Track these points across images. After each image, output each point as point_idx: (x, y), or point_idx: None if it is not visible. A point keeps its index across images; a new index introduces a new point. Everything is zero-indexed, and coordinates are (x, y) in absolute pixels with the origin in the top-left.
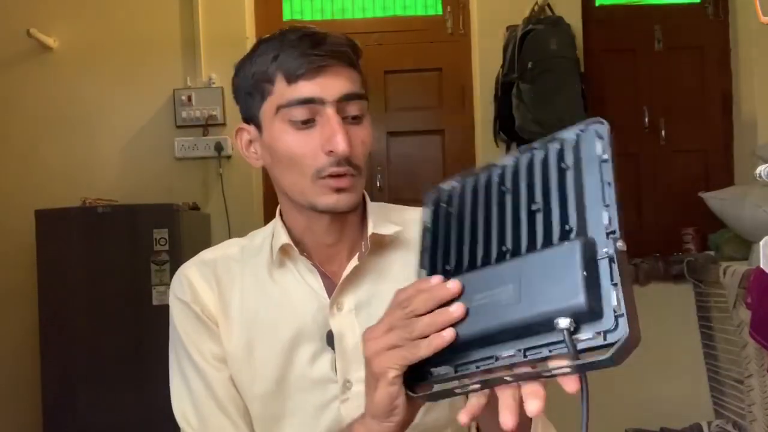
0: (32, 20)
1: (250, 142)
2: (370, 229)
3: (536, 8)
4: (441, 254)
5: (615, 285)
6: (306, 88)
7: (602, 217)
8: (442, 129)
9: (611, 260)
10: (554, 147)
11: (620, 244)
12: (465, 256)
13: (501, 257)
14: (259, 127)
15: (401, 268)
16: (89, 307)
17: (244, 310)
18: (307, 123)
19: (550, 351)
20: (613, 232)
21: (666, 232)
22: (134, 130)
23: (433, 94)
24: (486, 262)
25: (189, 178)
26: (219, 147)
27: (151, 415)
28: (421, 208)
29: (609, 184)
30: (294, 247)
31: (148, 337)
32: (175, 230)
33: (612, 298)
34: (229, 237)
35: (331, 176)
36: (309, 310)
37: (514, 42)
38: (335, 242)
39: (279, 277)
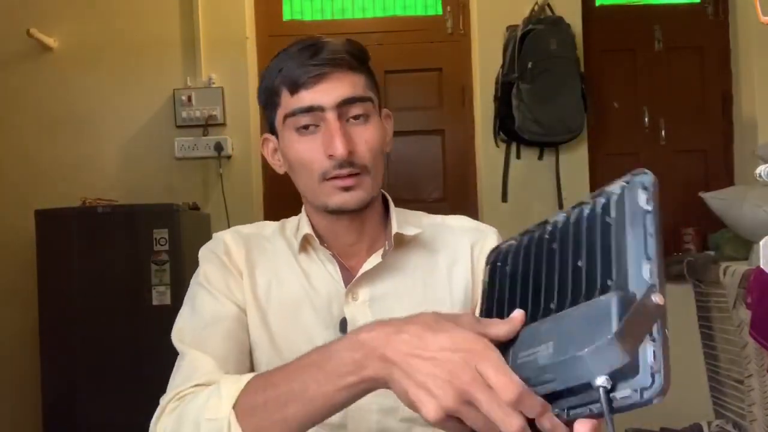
0: (32, 20)
1: (275, 150)
2: (395, 228)
3: (536, 8)
4: (495, 314)
5: (653, 340)
6: (307, 97)
7: (642, 271)
8: (442, 129)
9: None
10: (600, 201)
11: (656, 297)
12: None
13: (546, 315)
14: (277, 136)
15: (416, 267)
16: (89, 307)
17: (267, 281)
18: (311, 129)
19: (591, 410)
20: (653, 286)
21: (666, 232)
22: (134, 130)
23: (433, 94)
24: (533, 319)
25: (189, 178)
26: (219, 147)
27: (151, 415)
28: (436, 216)
29: (651, 235)
30: (315, 237)
31: (148, 337)
32: (175, 230)
33: (648, 353)
34: None
35: (336, 177)
36: (326, 294)
37: (514, 42)
38: (356, 241)
39: (303, 259)
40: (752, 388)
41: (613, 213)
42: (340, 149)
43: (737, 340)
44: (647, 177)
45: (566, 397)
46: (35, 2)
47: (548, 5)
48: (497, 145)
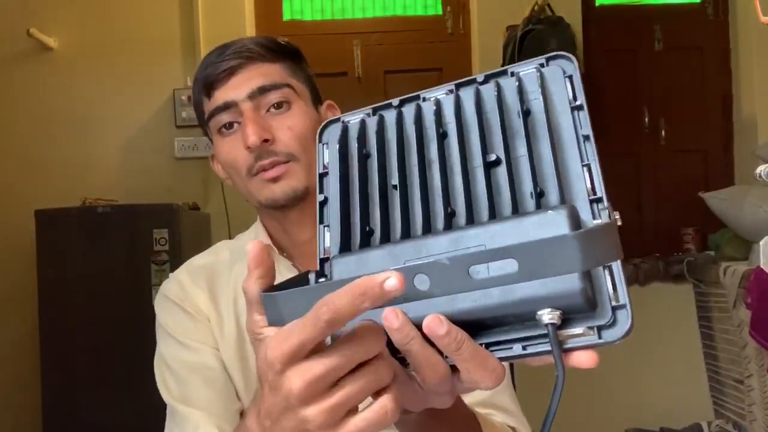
0: (32, 20)
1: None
2: None
3: (536, 8)
4: (359, 211)
5: (609, 268)
6: (220, 96)
7: (583, 179)
8: None
9: None
10: (510, 84)
11: (616, 215)
12: (396, 218)
13: (449, 222)
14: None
15: None
16: (89, 308)
17: (233, 311)
18: (232, 127)
19: (541, 348)
20: (599, 200)
21: (666, 232)
22: (134, 130)
23: None
24: (428, 228)
25: (189, 178)
26: None
27: (150, 415)
28: None
29: (587, 137)
30: (273, 247)
31: (148, 337)
32: (175, 230)
33: (606, 283)
34: (230, 237)
35: (262, 170)
36: None
37: (514, 42)
38: (310, 239)
39: None
40: (752, 388)
41: (533, 102)
42: (251, 137)
43: (737, 340)
44: (569, 63)
45: (493, 327)
46: (35, 2)
47: (548, 5)
48: None
